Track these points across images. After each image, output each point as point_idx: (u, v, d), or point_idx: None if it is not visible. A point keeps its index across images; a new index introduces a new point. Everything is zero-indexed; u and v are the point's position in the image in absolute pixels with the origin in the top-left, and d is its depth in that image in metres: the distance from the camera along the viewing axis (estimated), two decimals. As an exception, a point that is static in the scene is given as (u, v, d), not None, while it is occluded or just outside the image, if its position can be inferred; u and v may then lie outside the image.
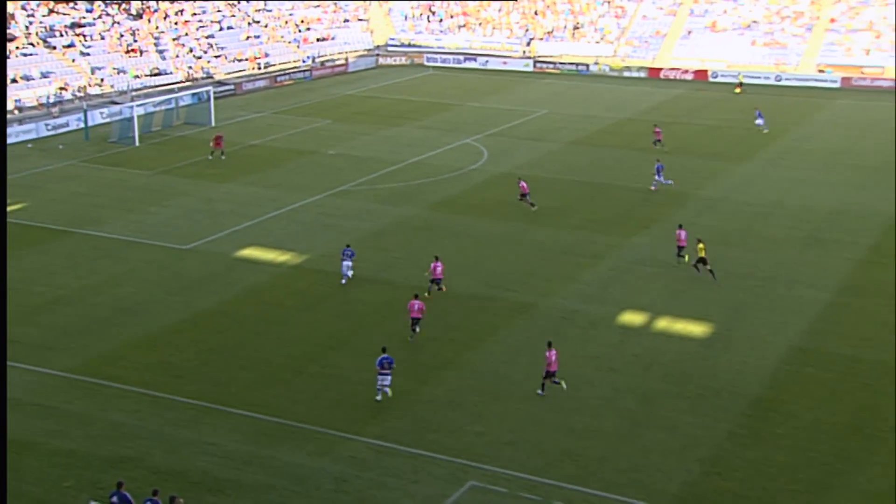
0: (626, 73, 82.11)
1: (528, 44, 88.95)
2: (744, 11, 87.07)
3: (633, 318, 32.00)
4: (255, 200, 44.74)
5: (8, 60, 65.45)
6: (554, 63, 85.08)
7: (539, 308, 32.70)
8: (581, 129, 60.57)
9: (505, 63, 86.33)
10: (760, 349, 29.76)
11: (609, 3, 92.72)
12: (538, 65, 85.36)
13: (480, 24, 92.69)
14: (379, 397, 26.26)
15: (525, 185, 42.70)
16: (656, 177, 45.76)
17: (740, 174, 49.81)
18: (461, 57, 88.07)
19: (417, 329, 29.86)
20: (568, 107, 68.26)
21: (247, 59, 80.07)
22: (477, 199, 45.04)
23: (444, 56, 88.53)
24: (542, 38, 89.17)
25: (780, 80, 77.62)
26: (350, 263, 34.73)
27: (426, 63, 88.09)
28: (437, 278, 33.11)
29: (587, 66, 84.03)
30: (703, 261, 34.60)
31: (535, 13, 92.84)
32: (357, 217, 42.23)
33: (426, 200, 44.86)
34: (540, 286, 34.60)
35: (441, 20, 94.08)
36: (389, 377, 26.16)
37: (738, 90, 74.04)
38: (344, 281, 34.48)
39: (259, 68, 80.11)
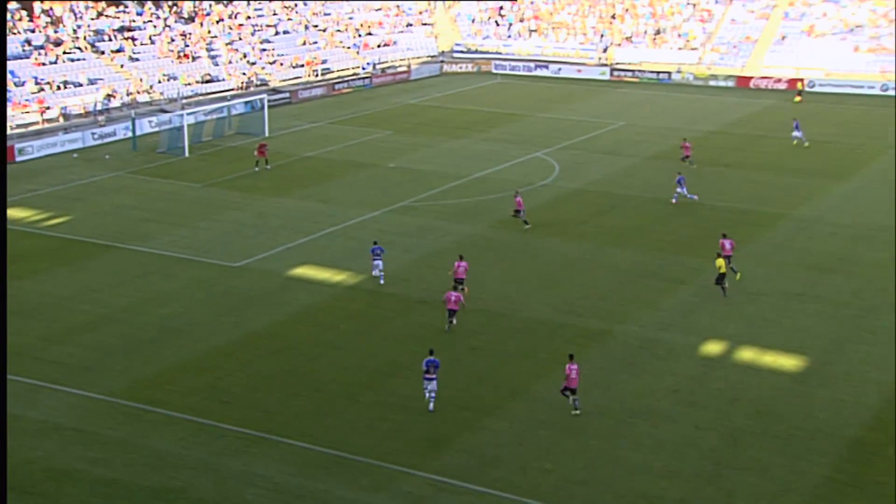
0: (712, 83, 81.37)
1: (605, 50, 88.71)
2: (846, 14, 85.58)
3: (717, 348, 31.58)
4: (310, 216, 45.22)
5: (54, 66, 67.18)
6: (632, 71, 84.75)
7: (614, 335, 32.46)
8: (661, 143, 60.17)
9: (579, 71, 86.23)
10: (861, 386, 29.12)
11: (694, 6, 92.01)
12: (615, 73, 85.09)
13: (553, 28, 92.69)
14: (431, 406, 27.12)
15: (521, 200, 43.08)
16: (678, 188, 46.31)
17: (839, 193, 49.02)
18: (532, 64, 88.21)
19: (454, 321, 32.06)
20: (647, 118, 67.88)
21: (303, 66, 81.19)
22: (547, 217, 44.98)
23: (513, 63, 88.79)
24: (619, 44, 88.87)
25: (886, 90, 76.18)
26: (380, 263, 36.42)
27: (494, 70, 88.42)
28: (460, 278, 34.58)
29: (669, 74, 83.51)
30: (721, 277, 35.12)
31: (613, 17, 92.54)
32: (418, 234, 42.44)
33: (492, 218, 44.95)
34: (615, 312, 34.35)
35: (510, 25, 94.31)
36: (435, 381, 27.11)
37: (797, 98, 73.40)
38: (382, 281, 36.42)
39: (316, 75, 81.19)
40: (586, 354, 30.88)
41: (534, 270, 38.32)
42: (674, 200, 46.58)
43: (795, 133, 59.18)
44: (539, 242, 41.61)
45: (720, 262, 35.39)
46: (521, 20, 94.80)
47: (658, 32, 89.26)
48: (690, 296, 35.93)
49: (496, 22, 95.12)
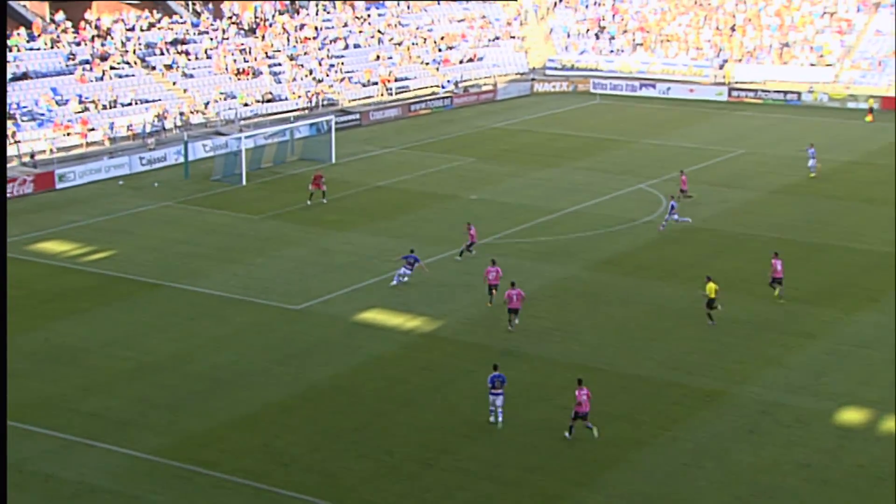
0: (851, 104, 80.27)
1: (722, 67, 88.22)
2: None
3: (856, 416, 30.86)
4: (382, 253, 45.67)
5: (100, 82, 69.00)
6: (755, 91, 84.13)
7: (731, 398, 31.97)
8: (789, 175, 59.51)
9: (692, 91, 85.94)
10: None
11: (831, 15, 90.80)
12: (734, 93, 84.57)
13: (662, 42, 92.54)
14: (492, 419, 29.28)
15: (474, 231, 45.06)
16: (667, 216, 48.46)
17: None
18: (636, 83, 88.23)
19: (517, 321, 36.68)
20: (772, 145, 67.22)
21: (376, 84, 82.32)
22: (652, 259, 44.79)
23: (614, 82, 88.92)
24: (739, 60, 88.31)
25: None
26: (409, 272, 40.42)
27: (593, 90, 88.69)
28: (493, 283, 38.55)
29: (798, 94, 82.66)
30: (710, 303, 37.20)
31: (733, 29, 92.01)
32: (504, 276, 42.45)
33: (588, 258, 44.97)
34: (732, 370, 33.86)
35: (612, 38, 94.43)
36: (502, 396, 29.45)
37: (868, 118, 72.98)
38: (394, 282, 40.67)
39: (390, 94, 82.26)
40: (697, 420, 30.42)
41: (635, 320, 38.06)
42: (661, 228, 48.46)
43: (811, 162, 58.80)
44: (642, 288, 41.37)
45: (710, 286, 37.15)
46: (625, 32, 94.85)
47: (786, 46, 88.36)
48: (824, 353, 35.27)
49: (596, 35, 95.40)
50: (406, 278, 41.02)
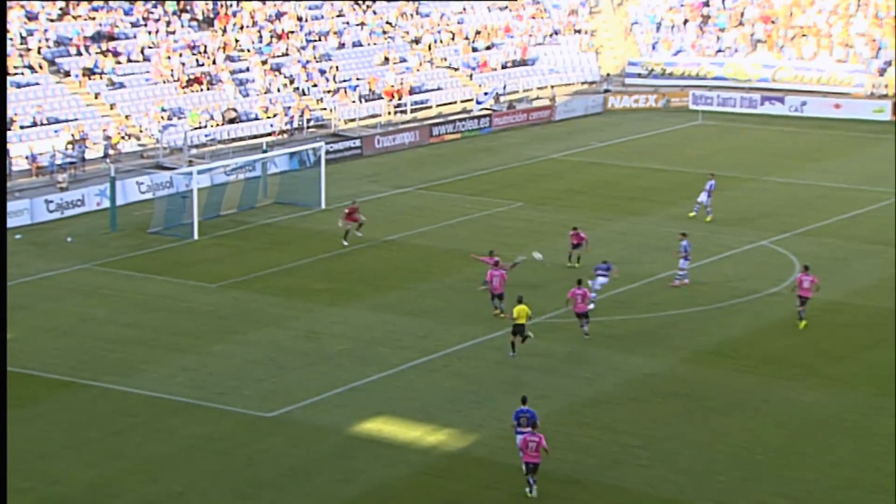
0: None
1: (883, 72, 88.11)
2: None
3: None
4: (389, 336, 45.67)
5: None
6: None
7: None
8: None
9: (837, 107, 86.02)
10: None
11: None
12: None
13: (794, 38, 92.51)
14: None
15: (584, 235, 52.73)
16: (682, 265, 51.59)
17: None
18: (756, 95, 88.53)
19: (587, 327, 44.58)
20: (957, 188, 66.77)
21: (382, 97, 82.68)
22: (779, 347, 44.63)
23: (724, 94, 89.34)
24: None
25: None
26: (605, 278, 48.25)
27: (693, 106, 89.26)
28: (497, 293, 44.94)
29: None
30: (519, 329, 42.93)
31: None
32: (565, 371, 42.59)
33: (687, 346, 44.94)
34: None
35: (722, 31, 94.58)
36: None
37: None
38: (593, 296, 46.90)
39: (402, 112, 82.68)
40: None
41: (757, 436, 37.76)
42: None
43: (701, 197, 61.44)
44: (767, 390, 41.14)
45: (521, 309, 43.16)
46: (740, 24, 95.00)
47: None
48: None
49: (699, 27, 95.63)
50: (599, 287, 47.93)
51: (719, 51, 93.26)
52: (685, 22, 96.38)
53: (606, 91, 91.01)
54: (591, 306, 46.08)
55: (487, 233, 59.26)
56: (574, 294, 44.74)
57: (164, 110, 73.88)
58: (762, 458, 36.50)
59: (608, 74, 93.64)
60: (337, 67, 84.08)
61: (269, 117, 77.19)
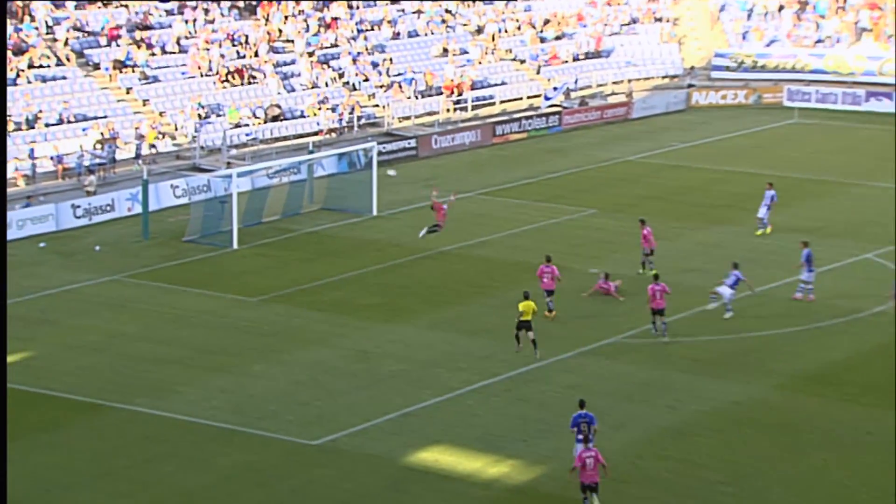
0: None
1: None
2: None
3: None
4: (447, 357, 45.70)
5: (13, 88, 69.30)
6: None
7: None
8: None
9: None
10: None
11: None
12: None
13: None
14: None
15: (647, 232, 53.48)
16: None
17: None
18: (860, 91, 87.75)
19: (659, 325, 46.99)
20: None
21: (441, 93, 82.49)
22: (884, 375, 44.06)
23: (824, 89, 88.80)
24: None
25: None
26: (733, 291, 48.63)
27: (787, 103, 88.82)
28: (548, 289, 48.52)
29: None
30: (525, 325, 44.97)
31: None
32: (644, 397, 42.39)
33: (781, 371, 44.63)
34: None
35: (822, 19, 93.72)
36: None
37: None
38: (728, 314, 48.81)
39: (463, 109, 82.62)
40: None
41: (856, 473, 37.32)
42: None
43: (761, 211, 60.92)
44: (870, 421, 40.73)
45: (527, 304, 44.80)
46: (841, 9, 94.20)
47: None
48: None
49: (796, 14, 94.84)
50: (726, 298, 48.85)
51: (819, 41, 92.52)
52: (780, 8, 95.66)
53: (690, 86, 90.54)
54: (729, 315, 49.02)
55: (556, 243, 58.89)
56: (653, 290, 46.35)
57: (201, 106, 73.94)
58: (866, 497, 36.21)
59: (692, 67, 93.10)
60: (391, 60, 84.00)
61: (315, 115, 77.01)
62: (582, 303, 50.97)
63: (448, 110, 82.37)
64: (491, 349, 46.30)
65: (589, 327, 48.52)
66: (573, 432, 34.97)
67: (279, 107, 76.15)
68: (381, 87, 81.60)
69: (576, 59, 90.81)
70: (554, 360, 45.36)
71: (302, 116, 76.92)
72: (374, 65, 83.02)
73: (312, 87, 79.15)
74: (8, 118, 67.29)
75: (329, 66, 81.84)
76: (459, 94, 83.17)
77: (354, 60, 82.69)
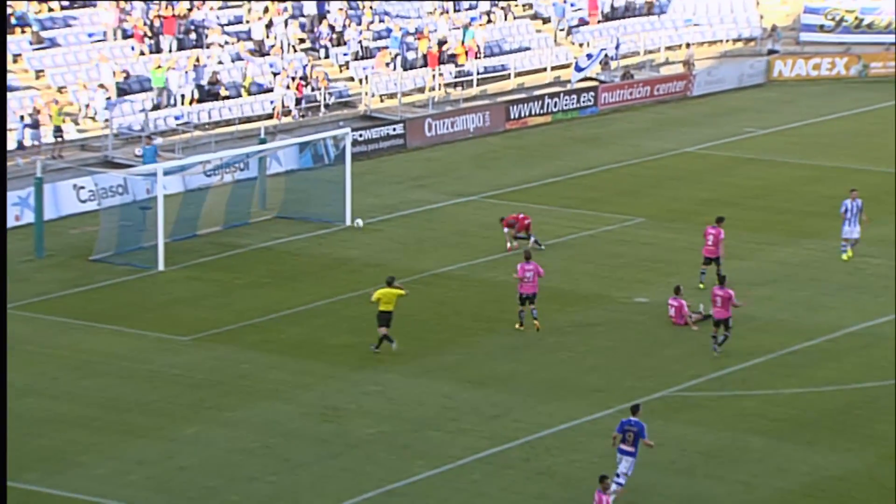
0: None
1: None
2: None
3: None
4: (444, 415, 45.73)
5: None
6: None
7: None
8: None
9: None
10: None
11: None
12: None
13: None
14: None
15: (712, 233, 54.87)
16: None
17: None
18: None
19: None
20: None
21: (437, 63, 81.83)
22: None
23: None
24: None
25: None
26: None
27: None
28: (529, 293, 51.06)
29: None
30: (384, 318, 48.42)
31: None
32: (709, 471, 42.15)
33: (888, 435, 44.03)
34: None
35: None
36: (633, 460, 36.55)
37: None
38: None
39: (467, 83, 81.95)
40: None
41: None
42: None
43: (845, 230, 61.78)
44: None
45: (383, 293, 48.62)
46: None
47: None
48: None
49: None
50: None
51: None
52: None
53: (771, 52, 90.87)
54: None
55: (590, 262, 59.74)
56: (715, 295, 48.22)
57: (119, 75, 73.61)
58: None
59: (773, 27, 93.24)
60: (372, 12, 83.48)
61: (269, 90, 76.68)
62: (625, 340, 51.04)
63: (446, 85, 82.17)
64: (503, 405, 46.05)
65: (635, 375, 48.21)
66: (615, 437, 36.65)
67: (218, 78, 76.22)
68: (358, 58, 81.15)
69: (617, 16, 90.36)
70: (586, 420, 44.95)
71: (251, 93, 76.19)
72: (346, 25, 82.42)
73: (264, 54, 78.52)
74: None
75: (286, 30, 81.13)
76: (462, 65, 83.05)
77: (322, 17, 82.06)
